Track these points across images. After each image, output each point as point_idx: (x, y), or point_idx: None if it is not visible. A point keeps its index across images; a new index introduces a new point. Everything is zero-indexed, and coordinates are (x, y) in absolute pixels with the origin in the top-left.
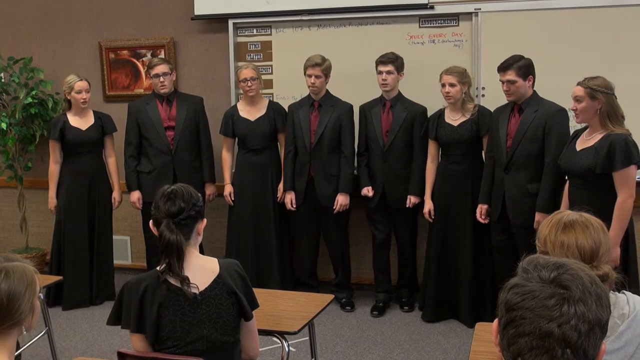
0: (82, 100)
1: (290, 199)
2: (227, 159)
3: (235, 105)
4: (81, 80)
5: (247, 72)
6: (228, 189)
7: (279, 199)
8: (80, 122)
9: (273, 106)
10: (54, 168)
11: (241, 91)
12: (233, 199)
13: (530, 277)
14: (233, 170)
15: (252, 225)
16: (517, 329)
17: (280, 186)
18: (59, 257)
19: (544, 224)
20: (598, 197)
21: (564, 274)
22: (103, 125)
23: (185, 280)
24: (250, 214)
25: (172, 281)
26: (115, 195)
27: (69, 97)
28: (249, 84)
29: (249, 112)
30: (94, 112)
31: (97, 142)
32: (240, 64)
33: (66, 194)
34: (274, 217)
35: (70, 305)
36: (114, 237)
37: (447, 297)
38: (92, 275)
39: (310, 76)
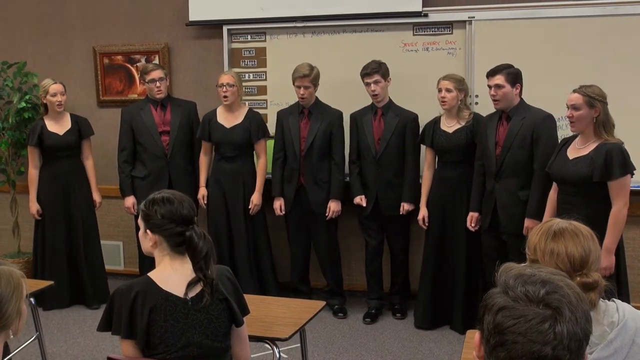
0: (57, 103)
1: (279, 205)
2: (203, 162)
3: (215, 110)
4: (55, 83)
5: (224, 78)
6: (202, 192)
7: (250, 210)
8: (57, 126)
9: (251, 115)
10: (33, 173)
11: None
12: (206, 202)
13: (516, 297)
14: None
15: (226, 232)
16: (508, 352)
17: (253, 197)
18: (40, 260)
19: (534, 232)
20: (591, 205)
21: (553, 294)
22: (80, 128)
23: (216, 284)
24: (224, 221)
25: (164, 287)
26: (95, 197)
27: (45, 101)
28: (225, 89)
29: (226, 119)
30: (71, 116)
31: (74, 145)
32: (229, 70)
33: (44, 198)
34: (243, 226)
35: (49, 305)
36: (106, 242)
37: (440, 304)
38: (83, 279)
39: (299, 87)
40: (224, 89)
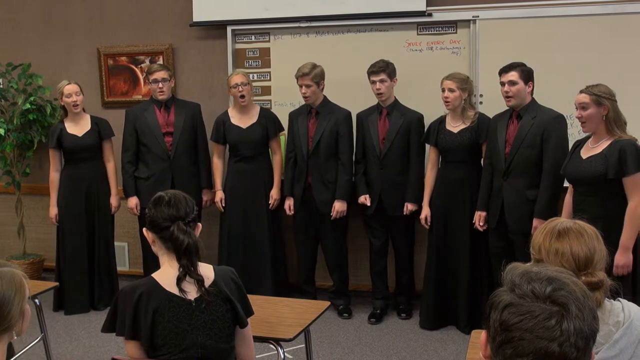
0: (73, 104)
1: (289, 205)
2: (218, 166)
3: (227, 112)
4: (70, 84)
5: (237, 78)
6: (219, 195)
7: (271, 205)
8: (77, 128)
9: (265, 113)
10: (54, 176)
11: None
12: (224, 205)
13: (523, 294)
14: (224, 178)
15: (244, 232)
16: (515, 349)
17: (272, 193)
18: (61, 263)
19: (538, 232)
20: (607, 204)
21: (559, 291)
22: (100, 130)
23: (202, 281)
24: (242, 220)
25: (167, 288)
26: (112, 200)
27: (62, 103)
28: (240, 88)
29: (241, 120)
30: (92, 118)
31: (94, 147)
32: (238, 70)
33: (64, 201)
34: (266, 224)
35: (71, 310)
36: None
37: (445, 304)
38: (94, 281)
39: (301, 86)
40: (240, 89)
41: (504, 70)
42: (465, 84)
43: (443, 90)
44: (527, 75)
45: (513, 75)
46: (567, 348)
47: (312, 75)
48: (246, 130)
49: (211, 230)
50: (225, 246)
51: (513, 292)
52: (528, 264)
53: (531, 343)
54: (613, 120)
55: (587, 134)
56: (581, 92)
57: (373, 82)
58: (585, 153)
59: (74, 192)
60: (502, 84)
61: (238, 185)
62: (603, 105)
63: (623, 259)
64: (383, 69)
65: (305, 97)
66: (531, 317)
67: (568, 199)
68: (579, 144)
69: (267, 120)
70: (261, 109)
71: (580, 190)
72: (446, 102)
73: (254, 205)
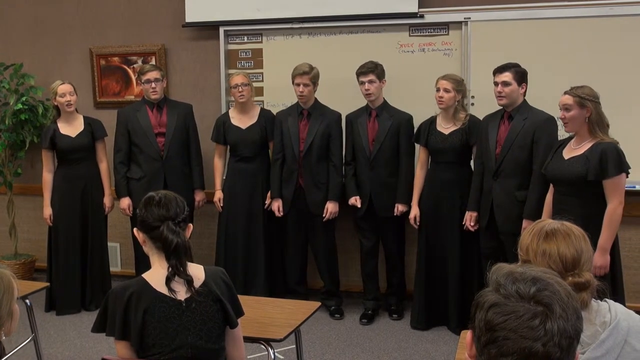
0: (66, 103)
1: (277, 206)
2: (218, 166)
3: (227, 113)
4: (63, 83)
5: (238, 78)
6: (218, 195)
7: (266, 206)
8: (70, 129)
9: (265, 114)
10: (47, 177)
11: (232, 98)
12: (222, 205)
13: (508, 294)
14: (224, 177)
15: (242, 231)
16: (499, 349)
17: (269, 193)
18: (53, 264)
19: (526, 233)
20: (586, 205)
21: (543, 291)
22: (93, 130)
23: (190, 281)
24: (240, 220)
25: (158, 288)
26: (106, 201)
27: (55, 103)
28: (240, 89)
29: (241, 120)
30: (85, 118)
31: (88, 148)
32: (231, 71)
33: (59, 201)
34: (263, 224)
35: (63, 311)
36: None
37: (436, 304)
38: (85, 282)
39: (298, 85)
40: (240, 89)
41: (498, 71)
42: (460, 85)
43: (438, 90)
44: (521, 76)
45: (507, 76)
46: (551, 348)
47: (312, 75)
48: (245, 130)
49: (209, 231)
50: (222, 246)
51: (498, 292)
52: (514, 264)
53: (515, 343)
54: (595, 123)
55: (570, 133)
56: (565, 93)
57: (362, 83)
58: (567, 153)
59: (69, 192)
60: (496, 83)
61: (237, 185)
62: (586, 107)
63: (601, 260)
64: (372, 69)
65: (301, 96)
66: (515, 317)
67: (549, 198)
68: (562, 143)
69: (267, 121)
70: (262, 109)
71: (561, 190)
72: (440, 101)
73: (252, 205)
